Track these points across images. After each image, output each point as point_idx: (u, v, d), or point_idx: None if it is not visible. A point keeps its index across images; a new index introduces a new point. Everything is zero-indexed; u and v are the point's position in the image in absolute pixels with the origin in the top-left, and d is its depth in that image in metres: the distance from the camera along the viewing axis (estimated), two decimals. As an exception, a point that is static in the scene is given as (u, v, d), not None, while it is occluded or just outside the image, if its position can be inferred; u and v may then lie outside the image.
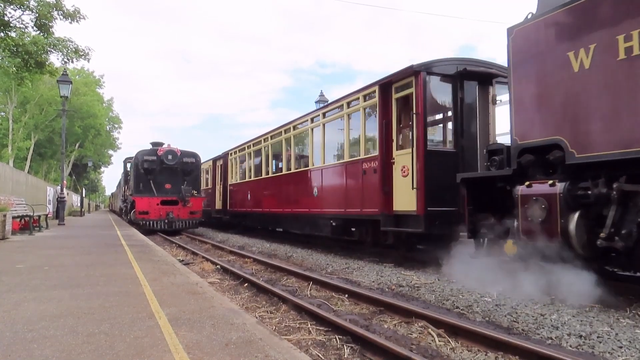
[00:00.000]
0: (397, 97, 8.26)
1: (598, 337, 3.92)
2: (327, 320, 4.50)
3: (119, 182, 34.06)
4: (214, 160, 21.77)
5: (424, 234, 7.58)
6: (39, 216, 15.20)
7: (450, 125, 8.27)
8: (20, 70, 15.06)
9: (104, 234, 14.12)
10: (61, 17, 14.87)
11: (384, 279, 6.98)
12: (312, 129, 11.40)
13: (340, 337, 4.13)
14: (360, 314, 5.12)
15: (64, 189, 20.62)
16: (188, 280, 5.62)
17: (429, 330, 4.34)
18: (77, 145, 42.13)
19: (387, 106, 8.40)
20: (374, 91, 8.70)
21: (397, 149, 8.24)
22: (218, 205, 20.72)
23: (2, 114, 36.51)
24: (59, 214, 19.33)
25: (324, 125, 10.81)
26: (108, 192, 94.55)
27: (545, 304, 5.00)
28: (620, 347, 3.70)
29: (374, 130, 8.92)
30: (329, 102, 11.04)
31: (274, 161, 14.56)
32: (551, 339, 4.02)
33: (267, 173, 14.66)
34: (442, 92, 7.98)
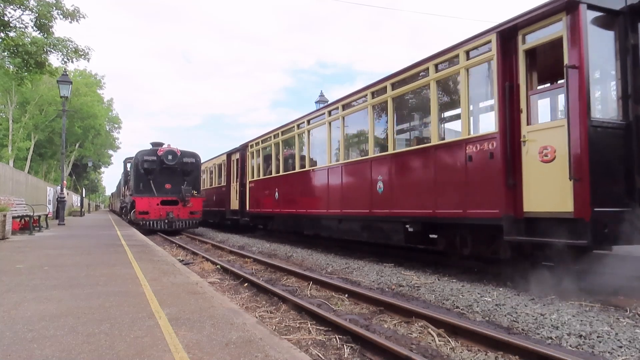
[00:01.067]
0: (527, 48, 5.90)
1: (598, 336, 3.93)
2: (327, 320, 4.51)
3: (119, 182, 34.06)
4: (229, 154, 19.12)
5: (585, 247, 5.28)
6: (39, 216, 15.21)
7: (615, 85, 5.72)
8: (20, 70, 15.09)
9: (104, 234, 14.12)
10: (61, 16, 14.91)
11: (384, 278, 6.98)
12: (372, 106, 8.90)
13: (340, 336, 4.14)
14: (360, 314, 5.12)
15: (64, 189, 20.62)
16: (188, 280, 5.62)
17: (429, 330, 4.34)
18: (77, 145, 42.18)
19: (511, 63, 6.06)
20: (488, 42, 6.25)
21: (527, 123, 5.89)
22: (234, 205, 17.85)
23: (2, 114, 36.55)
24: (59, 214, 19.35)
25: (392, 99, 8.30)
26: (108, 192, 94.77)
27: (545, 304, 5.01)
28: (620, 347, 3.70)
29: (485, 98, 6.87)
30: (393, 72, 8.26)
31: (312, 152, 11.92)
32: (551, 338, 4.02)
33: (303, 166, 11.96)
34: (603, 37, 5.55)
